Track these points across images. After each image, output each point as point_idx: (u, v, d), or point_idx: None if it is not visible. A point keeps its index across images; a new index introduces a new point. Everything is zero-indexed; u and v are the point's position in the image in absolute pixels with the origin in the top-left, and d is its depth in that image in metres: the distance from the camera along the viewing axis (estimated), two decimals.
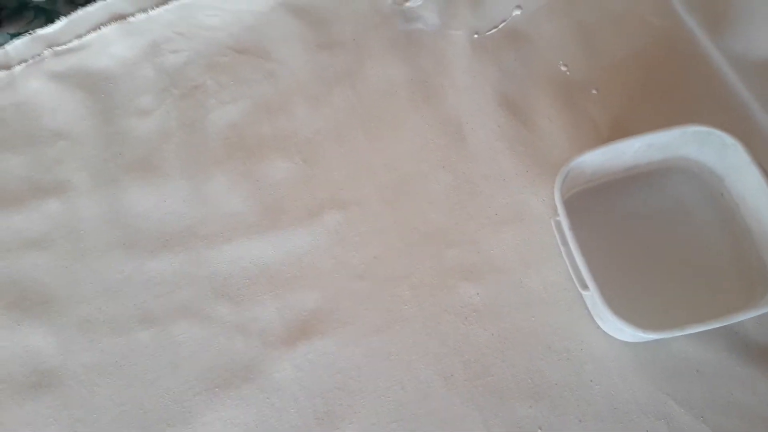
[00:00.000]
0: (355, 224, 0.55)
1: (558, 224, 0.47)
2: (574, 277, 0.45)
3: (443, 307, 0.51)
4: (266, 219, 0.56)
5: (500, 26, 0.63)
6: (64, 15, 0.68)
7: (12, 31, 0.72)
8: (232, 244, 0.55)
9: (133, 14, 0.68)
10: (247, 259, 0.55)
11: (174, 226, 0.57)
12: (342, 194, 0.57)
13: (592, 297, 0.44)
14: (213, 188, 0.58)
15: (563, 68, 0.60)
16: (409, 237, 0.54)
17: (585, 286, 0.44)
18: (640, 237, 0.51)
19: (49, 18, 0.69)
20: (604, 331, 0.49)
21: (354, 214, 0.55)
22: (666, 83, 0.58)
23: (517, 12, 0.60)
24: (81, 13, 0.68)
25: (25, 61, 0.66)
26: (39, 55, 0.67)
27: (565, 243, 0.46)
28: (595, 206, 0.52)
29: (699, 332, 0.42)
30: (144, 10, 0.67)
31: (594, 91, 0.58)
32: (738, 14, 0.61)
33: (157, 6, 0.67)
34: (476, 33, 0.63)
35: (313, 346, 0.51)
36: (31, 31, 0.67)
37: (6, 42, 0.67)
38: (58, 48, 0.67)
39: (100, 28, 0.67)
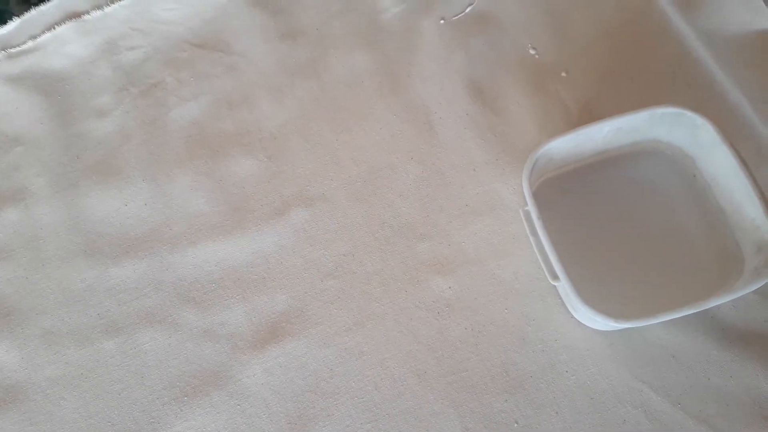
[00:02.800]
0: (322, 221, 0.54)
1: (527, 214, 0.45)
2: (544, 267, 0.44)
3: (415, 302, 0.50)
4: (231, 219, 0.54)
5: (467, 10, 0.61)
6: (17, 15, 0.65)
7: None
8: (196, 247, 0.53)
9: (88, 12, 0.65)
10: (212, 262, 0.53)
11: (136, 231, 0.55)
12: (308, 190, 0.55)
13: (564, 287, 0.42)
14: (175, 189, 0.56)
15: (532, 51, 0.58)
16: (378, 232, 0.53)
17: (555, 277, 0.43)
18: (612, 222, 0.49)
19: (2, 19, 0.66)
20: (578, 321, 0.48)
21: (321, 211, 0.54)
22: (637, 63, 0.57)
23: None
24: (34, 13, 0.65)
25: None
26: None
27: (534, 233, 0.45)
28: (566, 193, 0.51)
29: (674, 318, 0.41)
30: (99, 7, 0.65)
31: (564, 74, 0.57)
32: None
33: (113, 2, 0.65)
34: (442, 18, 0.61)
35: (283, 349, 0.49)
36: None
37: None
38: (12, 50, 0.64)
39: (54, 28, 0.65)
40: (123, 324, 0.52)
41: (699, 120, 0.46)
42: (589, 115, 0.55)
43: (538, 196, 0.49)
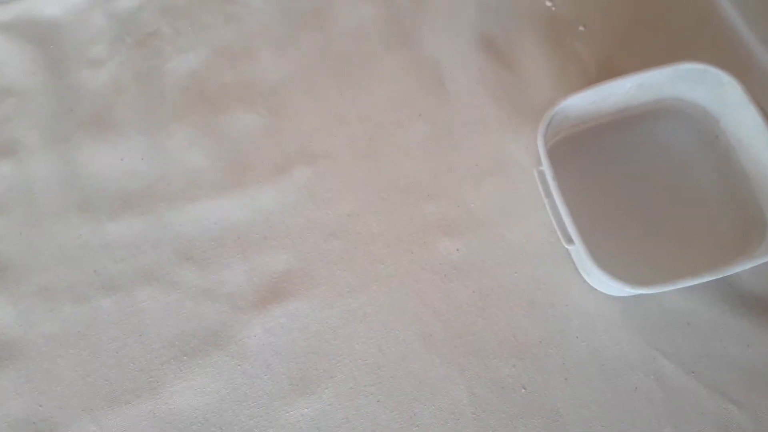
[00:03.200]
0: (326, 179, 0.52)
1: (541, 174, 0.43)
2: (558, 230, 0.42)
3: (422, 264, 0.48)
4: (231, 176, 0.52)
5: None
6: None
7: None
8: (195, 204, 0.52)
9: None
10: (211, 220, 0.51)
11: (133, 186, 0.53)
12: (311, 147, 0.53)
13: (578, 251, 0.41)
14: (172, 144, 0.54)
15: (548, 3, 0.55)
16: (384, 192, 0.51)
17: (570, 240, 0.41)
18: (629, 183, 0.47)
19: None
20: (590, 286, 0.46)
21: (325, 169, 0.52)
22: (659, 17, 0.54)
23: None
24: None
25: None
26: None
27: (548, 194, 0.43)
28: (582, 152, 0.48)
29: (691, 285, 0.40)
30: None
31: (582, 28, 0.54)
32: None
33: None
34: None
35: (285, 310, 0.48)
36: None
37: None
38: None
39: None
40: (120, 281, 0.50)
41: (725, 78, 0.44)
42: (608, 72, 0.52)
43: (553, 155, 0.46)
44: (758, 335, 0.44)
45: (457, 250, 0.48)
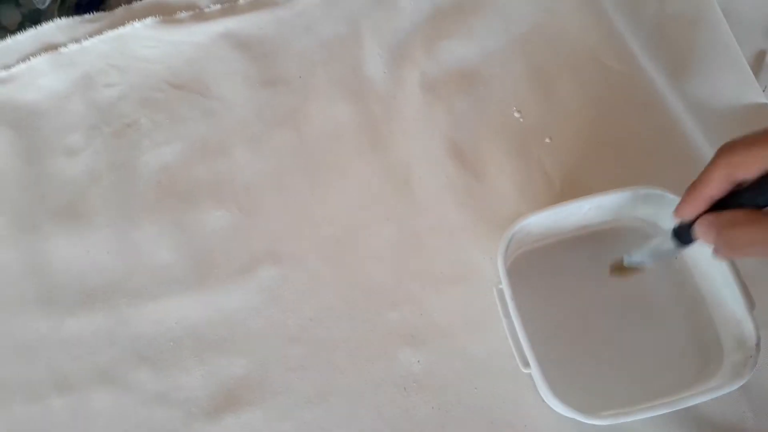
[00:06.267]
0: (291, 281, 0.51)
1: (500, 293, 0.43)
2: (515, 353, 0.42)
3: (382, 376, 0.48)
4: (196, 274, 0.52)
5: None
6: None
7: None
8: (157, 302, 0.51)
9: (65, 44, 0.63)
10: (172, 319, 0.51)
11: (96, 281, 0.52)
12: (279, 247, 0.53)
13: (535, 376, 0.41)
14: (140, 238, 0.54)
15: (516, 114, 0.57)
16: (348, 296, 0.51)
17: (526, 364, 0.41)
18: (590, 303, 0.48)
19: None
20: (549, 407, 0.46)
21: (291, 270, 0.52)
22: (623, 132, 0.55)
23: None
24: (9, 42, 0.63)
25: None
26: None
27: (507, 315, 0.43)
28: (544, 268, 0.49)
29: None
30: (77, 40, 0.63)
31: (548, 140, 0.55)
32: (701, 60, 0.58)
33: (91, 36, 0.63)
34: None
35: (239, 419, 0.47)
36: None
37: None
38: None
39: (29, 59, 0.63)
40: (74, 381, 0.49)
41: None
42: (572, 185, 0.53)
43: (514, 270, 0.47)
44: None
45: (418, 362, 0.48)
